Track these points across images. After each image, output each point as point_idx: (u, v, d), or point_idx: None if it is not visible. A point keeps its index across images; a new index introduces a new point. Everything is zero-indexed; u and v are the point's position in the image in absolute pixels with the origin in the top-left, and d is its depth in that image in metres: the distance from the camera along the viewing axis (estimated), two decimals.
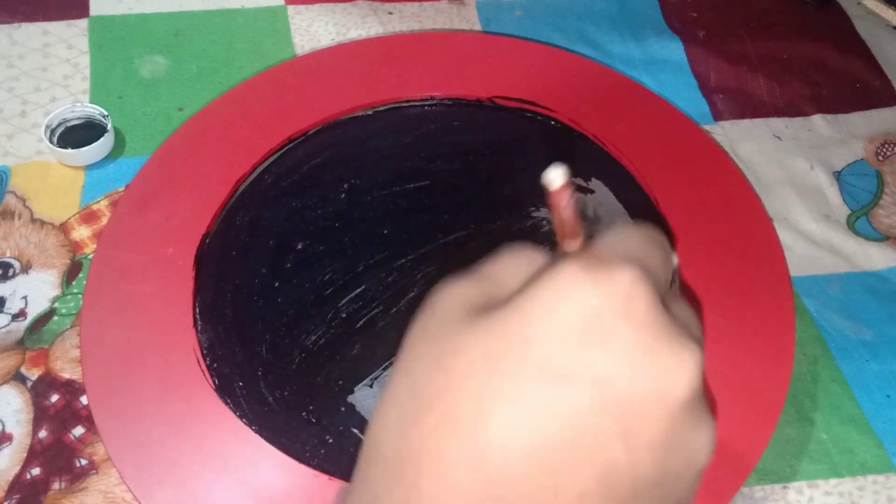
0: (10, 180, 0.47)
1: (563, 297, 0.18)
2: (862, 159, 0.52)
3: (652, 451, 0.18)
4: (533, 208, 0.46)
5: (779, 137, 0.52)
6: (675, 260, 0.23)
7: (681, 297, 0.22)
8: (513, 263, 0.21)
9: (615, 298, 0.18)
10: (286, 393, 0.39)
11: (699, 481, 0.20)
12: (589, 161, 0.48)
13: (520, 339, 0.18)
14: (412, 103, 0.50)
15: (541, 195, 0.47)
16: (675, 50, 0.57)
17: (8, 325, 0.42)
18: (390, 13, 0.58)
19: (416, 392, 0.19)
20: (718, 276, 0.43)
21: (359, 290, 0.42)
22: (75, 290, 0.43)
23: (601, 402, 0.18)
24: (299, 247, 0.44)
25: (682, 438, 0.19)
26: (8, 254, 0.44)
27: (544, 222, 0.45)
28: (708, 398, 0.20)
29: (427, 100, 0.50)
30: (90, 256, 0.44)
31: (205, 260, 0.43)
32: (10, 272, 0.43)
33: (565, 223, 0.23)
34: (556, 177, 0.22)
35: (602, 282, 0.18)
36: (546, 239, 0.45)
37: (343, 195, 0.46)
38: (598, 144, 0.49)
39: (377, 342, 0.41)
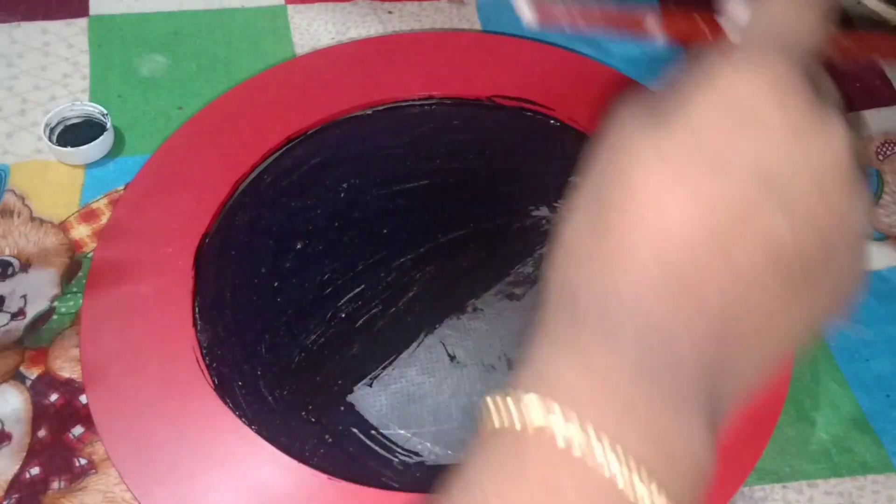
0: (9, 179, 0.47)
1: (723, 95, 0.20)
2: None
3: (814, 226, 0.20)
4: (533, 207, 0.46)
5: None
6: (828, 27, 0.23)
7: (821, 68, 0.23)
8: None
9: (769, 89, 0.20)
10: (285, 392, 0.39)
11: (863, 258, 0.22)
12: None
13: (685, 136, 0.20)
14: (411, 103, 0.50)
15: (540, 194, 0.47)
16: (675, 49, 0.57)
17: (7, 323, 0.42)
18: (390, 12, 0.58)
19: (602, 198, 0.21)
20: None
21: (358, 289, 0.42)
22: (75, 289, 0.43)
23: (766, 189, 0.20)
24: (299, 246, 0.44)
25: (840, 209, 0.20)
26: (7, 252, 0.44)
27: (544, 221, 0.45)
28: (860, 168, 0.21)
29: (426, 99, 0.50)
30: (90, 255, 0.44)
31: (204, 259, 0.43)
32: (10, 271, 0.43)
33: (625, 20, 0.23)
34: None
35: (755, 75, 0.20)
36: (545, 238, 0.45)
37: (342, 195, 0.46)
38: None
39: (376, 341, 0.41)
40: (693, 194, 0.20)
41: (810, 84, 0.21)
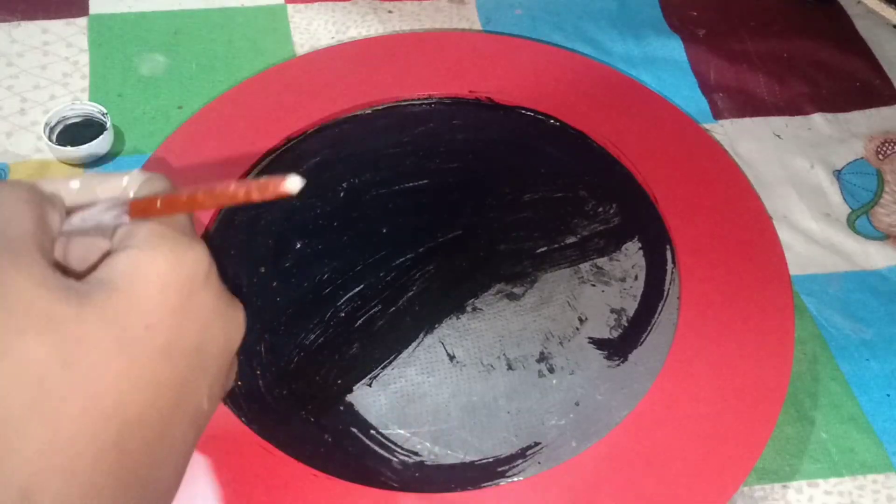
0: (8, 178, 0.47)
1: (167, 276, 0.21)
2: (862, 158, 0.52)
3: (215, 391, 0.24)
4: (532, 207, 0.46)
5: (779, 136, 0.52)
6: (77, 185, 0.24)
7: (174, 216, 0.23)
8: (27, 211, 0.21)
9: (202, 274, 0.22)
10: (285, 392, 0.39)
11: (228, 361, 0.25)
12: (588, 160, 0.48)
13: (142, 323, 0.21)
14: (411, 103, 0.50)
15: (540, 193, 0.47)
16: (675, 48, 0.57)
17: None
18: (390, 12, 0.58)
19: (28, 385, 0.19)
20: (718, 275, 0.43)
21: (357, 289, 0.42)
22: None
23: (199, 366, 0.22)
24: (298, 246, 0.44)
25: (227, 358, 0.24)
26: None
27: (544, 221, 0.45)
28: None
29: (426, 99, 0.50)
30: None
31: None
32: None
33: (219, 200, 0.21)
34: (294, 187, 0.20)
35: (193, 259, 0.22)
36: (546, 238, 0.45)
37: (342, 194, 0.46)
38: (597, 143, 0.49)
39: (376, 341, 0.41)
40: (143, 377, 0.20)
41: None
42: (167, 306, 0.21)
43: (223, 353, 0.23)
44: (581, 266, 0.44)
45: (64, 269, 0.22)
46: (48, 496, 0.18)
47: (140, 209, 0.22)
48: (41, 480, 0.18)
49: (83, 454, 0.19)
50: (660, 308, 0.42)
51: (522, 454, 0.37)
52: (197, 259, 0.22)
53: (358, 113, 0.49)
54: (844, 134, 0.53)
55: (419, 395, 0.39)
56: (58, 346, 0.19)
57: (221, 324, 0.23)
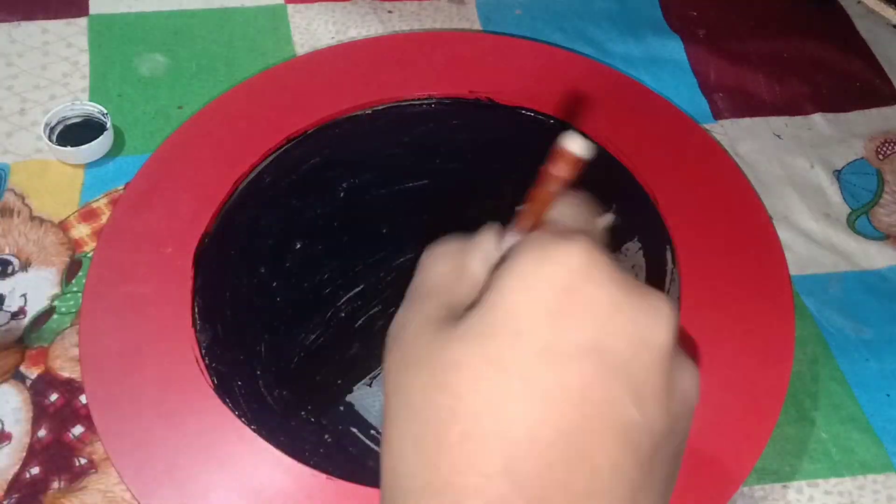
0: (9, 178, 0.47)
1: (534, 279, 0.19)
2: (862, 158, 0.52)
3: (657, 400, 0.19)
4: None
5: (779, 136, 0.52)
6: (608, 219, 0.24)
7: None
8: (446, 265, 0.22)
9: (580, 268, 0.19)
10: (285, 392, 0.39)
11: (692, 421, 0.21)
12: (588, 160, 0.48)
13: (510, 332, 0.19)
14: (411, 103, 0.50)
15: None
16: (674, 48, 0.57)
17: (7, 323, 0.42)
18: (390, 12, 0.58)
19: (427, 419, 0.19)
20: (718, 275, 0.43)
21: (357, 289, 0.42)
22: (75, 289, 0.43)
23: (603, 367, 0.18)
24: (298, 246, 0.44)
25: (676, 381, 0.20)
26: (7, 251, 0.44)
27: None
28: (686, 346, 0.21)
29: (426, 99, 0.50)
30: (90, 254, 0.44)
31: (204, 260, 0.43)
32: (10, 270, 0.43)
33: (549, 197, 0.22)
34: (579, 146, 0.21)
35: (563, 255, 0.19)
36: None
37: (342, 194, 0.46)
38: (597, 143, 0.48)
39: (376, 341, 0.41)
40: (535, 397, 0.18)
41: (615, 262, 0.20)
42: (539, 309, 0.19)
43: (637, 349, 0.19)
44: None
45: None
46: None
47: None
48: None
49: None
50: None
51: None
52: (569, 253, 0.19)
53: (358, 113, 0.49)
54: (844, 134, 0.53)
55: None
56: (433, 376, 0.19)
57: (626, 317, 0.19)
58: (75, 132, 0.48)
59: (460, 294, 0.21)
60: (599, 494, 0.18)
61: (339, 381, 0.39)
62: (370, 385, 0.39)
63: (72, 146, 0.47)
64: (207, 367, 0.39)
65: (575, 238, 0.20)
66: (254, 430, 0.37)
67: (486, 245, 0.23)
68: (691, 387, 0.20)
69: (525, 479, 0.18)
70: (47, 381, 0.40)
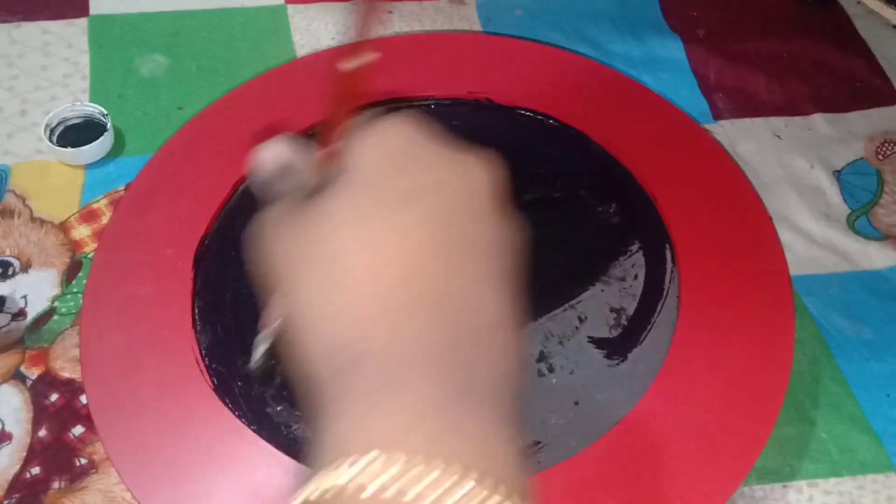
0: (9, 179, 0.47)
1: (381, 145, 0.25)
2: (862, 158, 0.52)
3: (485, 218, 0.26)
4: (532, 207, 0.46)
5: (779, 136, 0.52)
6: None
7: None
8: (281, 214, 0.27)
9: (411, 135, 0.25)
10: (285, 392, 0.39)
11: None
12: (588, 160, 0.48)
13: (367, 185, 0.24)
14: (411, 103, 0.50)
15: (539, 192, 0.47)
16: (675, 49, 0.57)
17: (8, 324, 0.42)
18: (390, 12, 0.58)
19: (320, 268, 0.23)
20: (718, 275, 0.43)
21: None
22: (75, 290, 0.43)
23: (440, 200, 0.24)
24: None
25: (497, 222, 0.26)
26: (7, 252, 0.44)
27: (543, 221, 0.45)
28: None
29: (425, 99, 0.50)
30: (90, 255, 0.44)
31: (204, 261, 0.43)
32: (10, 271, 0.43)
33: (367, 30, 0.27)
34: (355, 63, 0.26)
35: (398, 127, 0.26)
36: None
37: None
38: (597, 143, 0.48)
39: None
40: (388, 223, 0.23)
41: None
42: (386, 165, 0.24)
43: (460, 192, 0.25)
44: (581, 265, 0.44)
45: None
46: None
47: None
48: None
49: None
50: (659, 307, 0.42)
51: (522, 453, 0.37)
52: (403, 125, 0.26)
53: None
54: (844, 134, 0.53)
55: None
56: (309, 229, 0.24)
57: (448, 166, 0.25)
58: (76, 133, 0.48)
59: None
60: (463, 298, 0.23)
61: None
62: None
63: (72, 147, 0.47)
64: (207, 367, 0.39)
65: (403, 117, 0.26)
66: (253, 430, 0.37)
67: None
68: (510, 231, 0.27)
69: (396, 302, 0.22)
70: (48, 381, 0.40)
